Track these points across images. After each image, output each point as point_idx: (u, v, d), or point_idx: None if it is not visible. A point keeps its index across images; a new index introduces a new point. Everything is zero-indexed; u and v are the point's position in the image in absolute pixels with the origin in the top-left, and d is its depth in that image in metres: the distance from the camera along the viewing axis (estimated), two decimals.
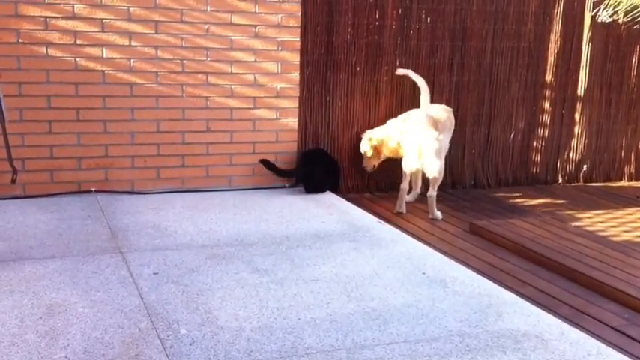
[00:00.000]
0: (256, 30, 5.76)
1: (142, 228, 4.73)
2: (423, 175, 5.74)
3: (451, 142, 5.90)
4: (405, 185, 5.75)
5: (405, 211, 5.72)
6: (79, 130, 5.45)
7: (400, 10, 6.29)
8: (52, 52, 5.28)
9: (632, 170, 7.55)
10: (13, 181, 4.51)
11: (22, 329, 3.14)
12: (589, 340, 3.27)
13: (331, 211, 5.38)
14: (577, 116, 7.17)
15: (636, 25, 6.75)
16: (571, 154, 7.25)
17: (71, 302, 3.45)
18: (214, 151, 5.85)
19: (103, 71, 5.43)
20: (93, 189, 5.55)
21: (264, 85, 5.88)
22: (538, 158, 7.13)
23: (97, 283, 3.72)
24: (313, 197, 5.73)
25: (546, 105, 7.04)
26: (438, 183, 5.60)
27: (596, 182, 7.36)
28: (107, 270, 3.92)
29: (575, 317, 3.73)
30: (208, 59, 5.68)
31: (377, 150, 6.01)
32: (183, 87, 5.66)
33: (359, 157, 6.19)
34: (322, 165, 5.99)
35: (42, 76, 5.29)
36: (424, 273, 4.07)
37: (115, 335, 3.11)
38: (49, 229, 4.63)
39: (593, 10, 6.85)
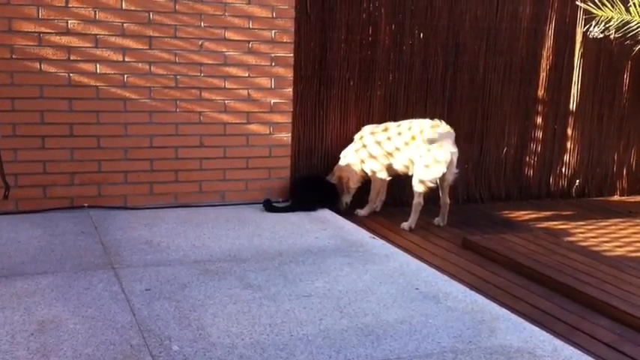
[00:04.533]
0: (250, 45, 5.78)
1: (135, 243, 4.72)
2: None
3: None
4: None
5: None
6: (73, 145, 5.45)
7: (393, 26, 6.32)
8: (45, 67, 5.29)
9: (625, 185, 7.58)
10: (6, 197, 4.50)
11: (13, 346, 3.12)
12: (582, 357, 3.27)
13: (324, 226, 5.38)
14: (569, 131, 7.21)
15: (628, 41, 6.79)
16: (564, 169, 7.28)
17: (63, 319, 3.43)
18: (208, 167, 5.84)
19: (97, 87, 5.43)
20: (86, 204, 5.54)
21: (258, 101, 5.89)
22: (531, 173, 7.15)
23: (88, 299, 3.70)
24: (307, 213, 5.72)
25: (539, 120, 7.07)
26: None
27: (589, 197, 7.39)
28: (99, 286, 3.90)
29: (568, 333, 3.73)
30: (202, 74, 5.69)
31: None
32: (177, 102, 5.67)
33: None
34: (316, 192, 5.97)
35: (35, 91, 5.29)
36: (417, 288, 4.07)
37: (106, 352, 3.10)
38: (41, 245, 4.61)
39: (585, 26, 6.89)
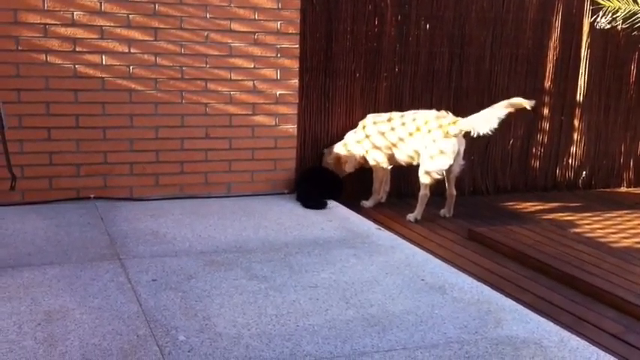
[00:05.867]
0: (255, 37, 5.77)
1: (141, 235, 4.72)
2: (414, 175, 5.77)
3: None
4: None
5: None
6: (78, 136, 5.45)
7: (399, 17, 6.30)
8: (51, 59, 5.29)
9: (632, 176, 7.55)
10: (12, 188, 4.51)
11: (20, 336, 3.13)
12: (588, 348, 3.26)
13: (330, 217, 5.37)
14: (576, 123, 7.18)
15: (635, 32, 6.75)
16: (570, 161, 7.25)
17: (69, 309, 3.44)
18: (213, 158, 5.84)
19: (103, 78, 5.43)
20: (92, 195, 5.55)
21: (264, 92, 5.88)
22: (537, 164, 7.14)
23: (95, 289, 3.71)
24: None
25: (545, 111, 7.04)
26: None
27: (596, 188, 7.37)
28: (106, 277, 3.91)
29: (574, 324, 3.73)
30: (207, 66, 5.68)
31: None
32: (183, 94, 5.66)
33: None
34: (321, 184, 5.96)
35: (41, 82, 5.30)
36: (423, 279, 4.06)
37: (113, 342, 3.11)
38: (47, 236, 4.63)
39: (592, 16, 6.86)
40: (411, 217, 5.72)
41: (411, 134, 5.73)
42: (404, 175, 6.24)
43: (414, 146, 5.74)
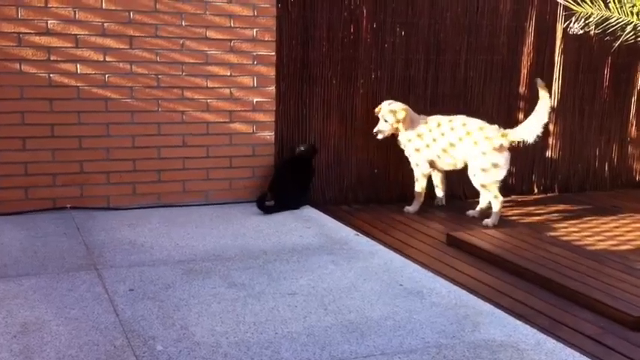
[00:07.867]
0: (232, 44, 5.77)
1: (118, 244, 4.69)
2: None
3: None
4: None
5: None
6: (54, 146, 5.41)
7: (375, 24, 6.33)
8: (25, 68, 5.25)
9: (607, 180, 7.63)
10: None
11: None
12: (565, 350, 3.29)
13: (309, 224, 5.38)
14: (551, 127, 7.24)
15: (607, 37, 6.83)
16: (546, 165, 7.32)
17: (46, 320, 3.41)
18: (191, 166, 5.83)
19: (78, 87, 5.40)
20: (68, 205, 5.51)
21: (240, 99, 5.88)
22: (513, 169, 7.16)
23: (72, 300, 3.68)
24: (291, 211, 5.72)
25: (521, 117, 7.07)
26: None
27: (571, 192, 7.43)
28: (82, 287, 3.88)
29: (551, 327, 3.75)
30: (184, 74, 5.67)
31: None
32: (159, 102, 5.65)
33: (336, 168, 6.19)
34: (290, 181, 5.94)
35: (16, 92, 5.26)
36: (401, 285, 4.08)
37: (90, 353, 3.08)
38: (23, 247, 4.58)
39: (565, 22, 6.93)
40: (488, 222, 5.86)
41: (452, 145, 5.91)
42: (383, 181, 6.25)
43: (459, 154, 5.94)
